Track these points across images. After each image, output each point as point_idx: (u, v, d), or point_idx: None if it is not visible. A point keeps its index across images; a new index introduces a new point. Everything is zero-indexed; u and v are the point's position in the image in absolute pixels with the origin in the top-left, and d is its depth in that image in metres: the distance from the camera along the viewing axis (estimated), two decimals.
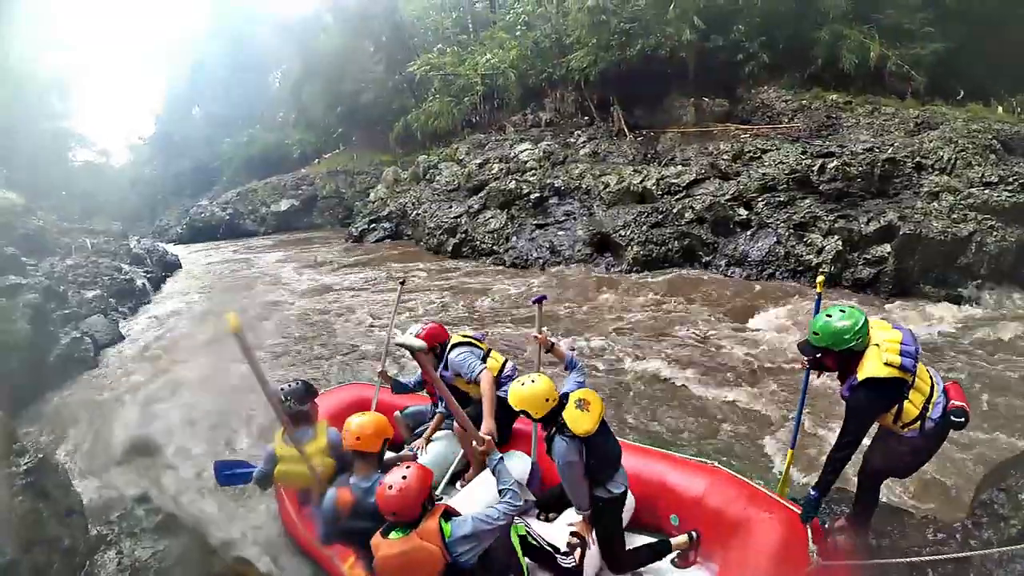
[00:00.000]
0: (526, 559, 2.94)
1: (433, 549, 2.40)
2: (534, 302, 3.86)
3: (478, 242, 15.14)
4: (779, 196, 11.31)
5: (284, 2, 38.12)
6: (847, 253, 9.79)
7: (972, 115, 11.87)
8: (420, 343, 2.76)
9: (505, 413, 3.84)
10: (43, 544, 3.34)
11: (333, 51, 29.15)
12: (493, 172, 17.23)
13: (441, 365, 4.08)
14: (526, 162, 16.98)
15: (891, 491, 4.26)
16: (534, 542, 3.05)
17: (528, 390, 2.96)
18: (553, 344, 3.60)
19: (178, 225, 29.99)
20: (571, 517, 3.34)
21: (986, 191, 9.43)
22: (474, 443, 2.91)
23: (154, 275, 16.18)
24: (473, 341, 4.15)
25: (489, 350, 4.24)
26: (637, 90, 17.40)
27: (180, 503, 4.87)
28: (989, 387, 6.08)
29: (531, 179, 15.74)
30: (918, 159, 10.58)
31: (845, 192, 10.67)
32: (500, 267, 13.90)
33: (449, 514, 2.58)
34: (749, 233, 11.33)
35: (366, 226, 20.65)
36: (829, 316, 2.87)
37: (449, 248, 15.78)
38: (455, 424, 4.25)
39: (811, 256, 10.15)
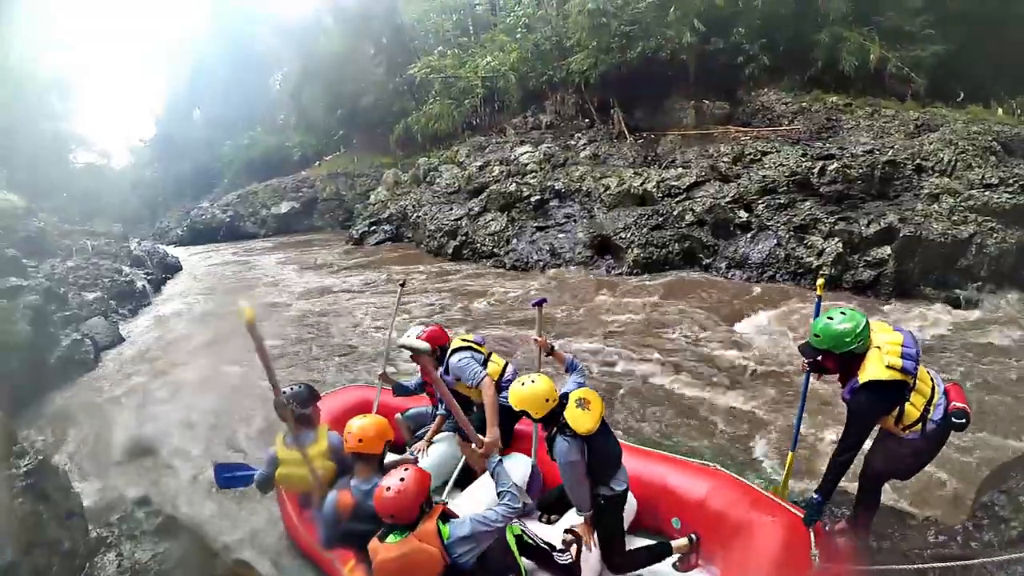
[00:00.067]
0: (523, 559, 2.94)
1: (432, 551, 2.39)
2: (534, 305, 3.86)
3: (478, 244, 15.15)
4: (779, 198, 11.31)
5: (284, 3, 38.19)
6: (847, 255, 9.79)
7: (972, 117, 11.88)
8: (424, 345, 2.77)
9: (506, 416, 3.85)
10: (43, 546, 3.34)
11: (333, 53, 29.18)
12: (493, 175, 17.24)
13: (441, 369, 4.08)
14: (526, 164, 16.99)
15: (891, 493, 4.25)
16: (530, 541, 3.05)
17: (528, 390, 2.96)
18: (553, 348, 3.60)
19: (179, 227, 30.02)
20: (572, 519, 3.33)
21: (986, 193, 9.43)
22: (473, 445, 2.91)
23: (154, 277, 16.21)
24: (473, 345, 4.14)
25: (490, 354, 4.23)
26: (637, 92, 17.41)
27: (180, 505, 4.87)
28: (989, 388, 6.08)
29: (531, 182, 15.75)
30: (918, 161, 10.59)
31: (845, 194, 10.68)
32: (500, 269, 13.90)
33: (447, 516, 2.58)
34: (749, 235, 11.33)
35: (366, 228, 20.65)
36: (830, 319, 2.87)
37: (449, 250, 15.78)
38: (457, 435, 4.26)
39: (811, 258, 10.14)
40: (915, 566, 2.94)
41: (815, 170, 11.15)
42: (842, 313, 2.87)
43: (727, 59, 16.10)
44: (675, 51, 16.01)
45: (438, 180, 19.67)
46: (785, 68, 15.73)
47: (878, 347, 2.81)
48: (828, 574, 2.86)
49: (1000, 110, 12.77)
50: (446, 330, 4.40)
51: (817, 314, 3.06)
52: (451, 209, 17.20)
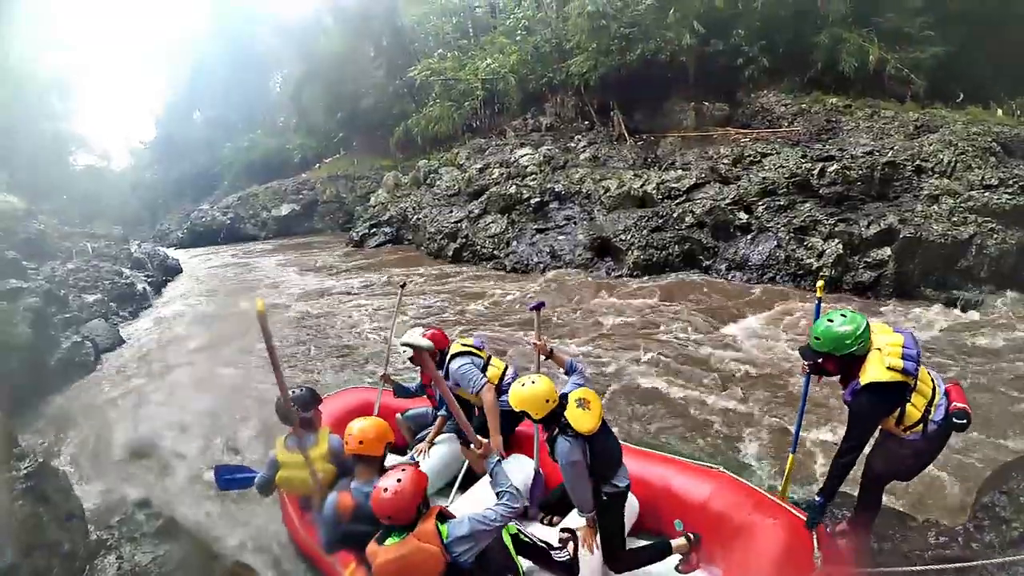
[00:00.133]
0: (521, 559, 2.93)
1: (433, 550, 2.38)
2: (532, 309, 3.84)
3: (479, 247, 15.15)
4: (779, 200, 11.31)
5: (284, 4, 38.27)
6: (847, 257, 9.79)
7: (972, 118, 11.87)
8: (427, 342, 2.77)
9: (507, 418, 3.86)
10: (43, 548, 3.34)
11: (333, 55, 29.25)
12: (493, 177, 17.25)
13: (441, 373, 4.07)
14: (526, 167, 17.00)
15: (892, 495, 4.25)
16: (526, 539, 3.05)
17: (528, 391, 2.96)
18: (552, 351, 3.59)
19: (179, 229, 30.06)
20: (574, 521, 3.33)
21: (986, 194, 9.44)
22: (472, 445, 2.91)
23: (155, 279, 16.22)
24: (473, 350, 4.13)
25: (489, 357, 4.23)
26: (637, 94, 17.44)
27: (181, 508, 4.86)
28: (990, 389, 6.07)
29: (531, 184, 15.76)
30: (918, 162, 10.59)
31: (845, 196, 10.68)
32: (501, 272, 13.91)
33: (444, 516, 2.57)
34: (749, 237, 11.33)
35: (367, 231, 20.66)
36: (830, 321, 2.87)
37: (450, 253, 15.78)
38: (459, 443, 4.25)
39: (811, 260, 10.15)
40: (917, 568, 2.94)
41: (815, 172, 11.15)
42: (842, 315, 2.87)
43: (727, 61, 16.13)
44: (675, 53, 16.03)
45: (438, 182, 19.69)
46: (785, 70, 15.75)
47: (879, 349, 2.80)
48: None
49: (1000, 111, 12.77)
50: (446, 334, 4.40)
51: (817, 316, 3.05)
52: (451, 211, 17.22)
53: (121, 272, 14.72)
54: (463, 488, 4.09)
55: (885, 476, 3.19)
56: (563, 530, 3.21)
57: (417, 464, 4.08)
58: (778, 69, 15.73)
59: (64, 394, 8.20)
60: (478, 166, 18.58)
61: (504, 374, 4.19)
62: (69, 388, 8.39)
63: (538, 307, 3.84)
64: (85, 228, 22.61)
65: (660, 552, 3.23)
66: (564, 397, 3.04)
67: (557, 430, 2.98)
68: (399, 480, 2.46)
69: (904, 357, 2.76)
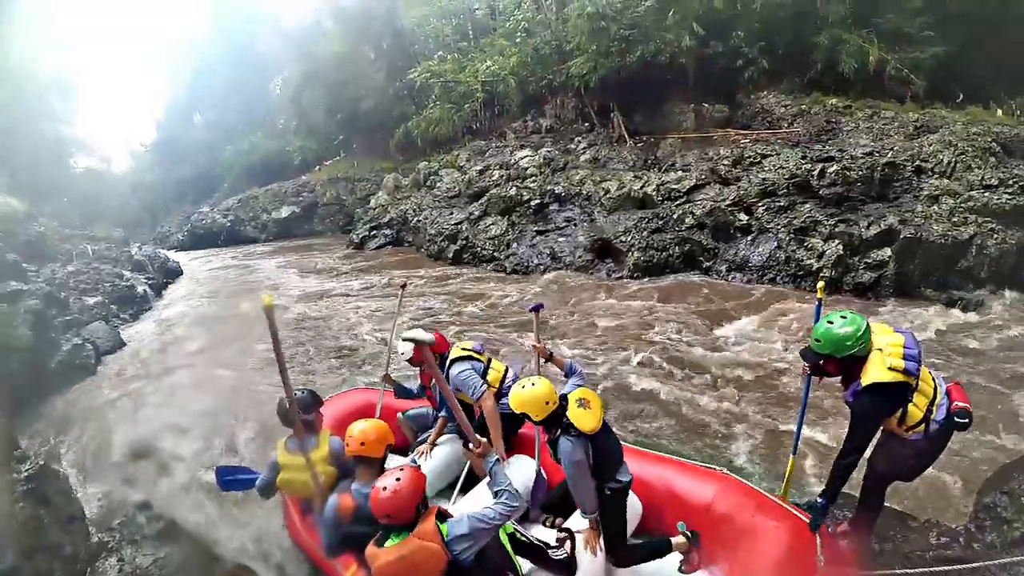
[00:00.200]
0: (519, 558, 2.93)
1: (435, 548, 2.38)
2: (531, 310, 3.84)
3: (479, 248, 15.15)
4: (779, 201, 11.32)
5: (284, 4, 38.36)
6: (848, 257, 9.79)
7: (972, 118, 11.88)
8: (429, 336, 2.77)
9: (508, 421, 3.86)
10: (44, 551, 3.34)
11: (334, 58, 29.28)
12: (494, 179, 17.26)
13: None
14: (526, 168, 17.00)
15: (892, 495, 4.23)
16: (523, 538, 3.05)
17: (528, 393, 2.97)
18: (552, 353, 3.59)
19: (179, 232, 30.08)
20: (576, 523, 3.33)
21: (986, 194, 9.44)
22: (471, 445, 2.91)
23: (155, 282, 16.24)
24: (473, 354, 4.12)
25: (490, 360, 4.23)
26: (637, 96, 17.44)
27: (182, 510, 4.86)
28: (991, 389, 6.07)
29: (532, 185, 15.77)
30: (918, 163, 10.59)
31: (845, 196, 10.69)
32: (501, 273, 13.90)
33: (443, 515, 2.57)
34: (750, 238, 11.34)
35: (367, 233, 20.67)
36: (830, 323, 2.87)
37: (450, 255, 15.79)
38: (460, 444, 4.25)
39: (812, 261, 10.14)
40: (919, 570, 2.92)
41: (815, 172, 11.16)
42: (842, 317, 2.87)
43: (726, 62, 16.13)
44: (674, 55, 16.03)
45: (438, 184, 19.70)
46: (784, 71, 15.75)
47: (880, 349, 2.80)
48: None
49: (1000, 111, 12.77)
50: (445, 337, 4.40)
51: (818, 318, 3.05)
52: (451, 213, 17.22)
53: (121, 274, 14.74)
54: (464, 490, 4.09)
55: (888, 476, 3.19)
56: (561, 530, 3.21)
57: (418, 467, 4.09)
58: (778, 70, 15.74)
59: (65, 396, 8.19)
60: (478, 168, 18.58)
61: (505, 377, 4.19)
62: (70, 390, 8.38)
63: (537, 308, 3.83)
64: (85, 230, 22.65)
65: (660, 549, 3.24)
66: (564, 398, 3.05)
67: (559, 431, 2.98)
68: (398, 479, 2.46)
69: (905, 357, 2.76)
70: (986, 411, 5.51)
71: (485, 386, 3.92)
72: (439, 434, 4.42)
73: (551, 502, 3.66)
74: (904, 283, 9.37)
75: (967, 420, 2.80)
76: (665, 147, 16.10)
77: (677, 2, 15.45)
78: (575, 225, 14.25)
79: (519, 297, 11.46)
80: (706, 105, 16.55)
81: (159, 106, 50.91)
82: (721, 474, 3.55)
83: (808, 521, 2.99)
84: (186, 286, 17.08)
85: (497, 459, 2.80)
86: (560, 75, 19.40)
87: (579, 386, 3.19)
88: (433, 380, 4.33)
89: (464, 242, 15.66)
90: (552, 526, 3.60)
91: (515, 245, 14.53)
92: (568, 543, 3.12)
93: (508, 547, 2.83)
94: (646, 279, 11.75)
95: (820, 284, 3.60)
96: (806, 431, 5.34)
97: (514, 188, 15.80)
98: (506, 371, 4.25)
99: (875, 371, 2.76)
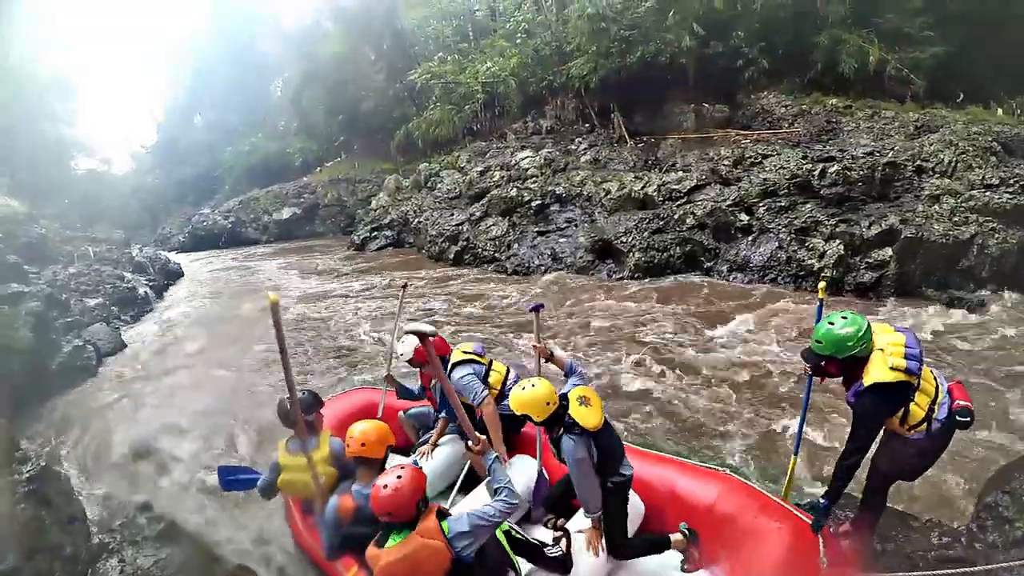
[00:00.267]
0: (517, 557, 2.94)
1: (439, 545, 2.37)
2: (531, 310, 3.83)
3: (480, 249, 15.15)
4: (780, 201, 11.31)
5: (284, 5, 38.40)
6: (849, 257, 9.78)
7: (972, 118, 11.89)
8: (431, 328, 2.76)
9: (510, 422, 3.86)
10: (45, 552, 3.34)
11: (334, 59, 29.30)
12: (494, 180, 17.26)
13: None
14: (527, 169, 17.01)
15: (894, 495, 4.22)
16: (519, 536, 3.05)
17: (529, 394, 2.97)
18: (552, 353, 3.59)
19: (180, 233, 30.08)
20: (579, 525, 3.33)
21: (987, 193, 9.44)
22: (470, 443, 2.91)
23: (156, 283, 16.24)
24: (474, 357, 4.12)
25: (491, 362, 4.23)
26: (637, 97, 17.47)
27: (182, 511, 4.86)
28: (992, 389, 6.05)
29: (532, 186, 15.77)
30: (919, 162, 10.59)
31: (846, 196, 10.68)
32: (502, 274, 13.90)
33: (443, 514, 2.56)
34: (751, 238, 11.33)
35: (368, 234, 20.67)
36: (831, 324, 2.86)
37: (451, 256, 15.78)
38: (462, 444, 4.25)
39: (813, 261, 10.13)
40: (923, 573, 2.91)
41: (815, 172, 11.15)
42: (843, 318, 2.86)
43: (726, 63, 16.15)
44: (674, 55, 16.06)
45: (439, 185, 19.71)
46: (784, 71, 15.77)
47: (881, 349, 2.80)
48: None
49: (1000, 110, 12.78)
50: (446, 340, 4.39)
51: (819, 318, 3.05)
52: (452, 214, 17.22)
53: (122, 276, 14.75)
54: (465, 490, 4.09)
55: (890, 476, 3.18)
56: (557, 528, 3.21)
57: (419, 467, 4.09)
58: (778, 70, 15.76)
59: (66, 398, 8.20)
60: (479, 169, 18.59)
61: (506, 379, 4.19)
62: (71, 392, 8.39)
63: (537, 308, 3.83)
64: (86, 232, 22.71)
65: (658, 545, 3.26)
66: (564, 397, 3.05)
67: (562, 430, 2.98)
68: (399, 477, 2.46)
69: (907, 357, 2.75)
70: (987, 411, 5.50)
71: (486, 392, 3.92)
72: (440, 435, 4.42)
73: (553, 495, 3.64)
74: (905, 283, 9.36)
75: (969, 419, 2.80)
76: (666, 147, 16.12)
77: (677, 2, 15.48)
78: (576, 226, 14.25)
79: (520, 298, 11.45)
80: (706, 105, 16.57)
81: (159, 107, 51.02)
82: (723, 474, 3.54)
83: (811, 522, 2.99)
84: (187, 287, 17.09)
85: (497, 456, 2.81)
86: (560, 76, 19.41)
87: (578, 385, 3.19)
88: (433, 381, 4.33)
89: (465, 243, 15.66)
90: (554, 527, 3.60)
91: (516, 246, 14.53)
92: (564, 541, 3.13)
93: (505, 545, 2.84)
94: (647, 280, 11.74)
95: (821, 285, 3.59)
96: (806, 432, 5.35)
97: (515, 189, 15.81)
98: (507, 372, 4.25)
99: (877, 371, 2.75)
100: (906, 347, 2.79)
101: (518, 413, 3.01)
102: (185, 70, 45.22)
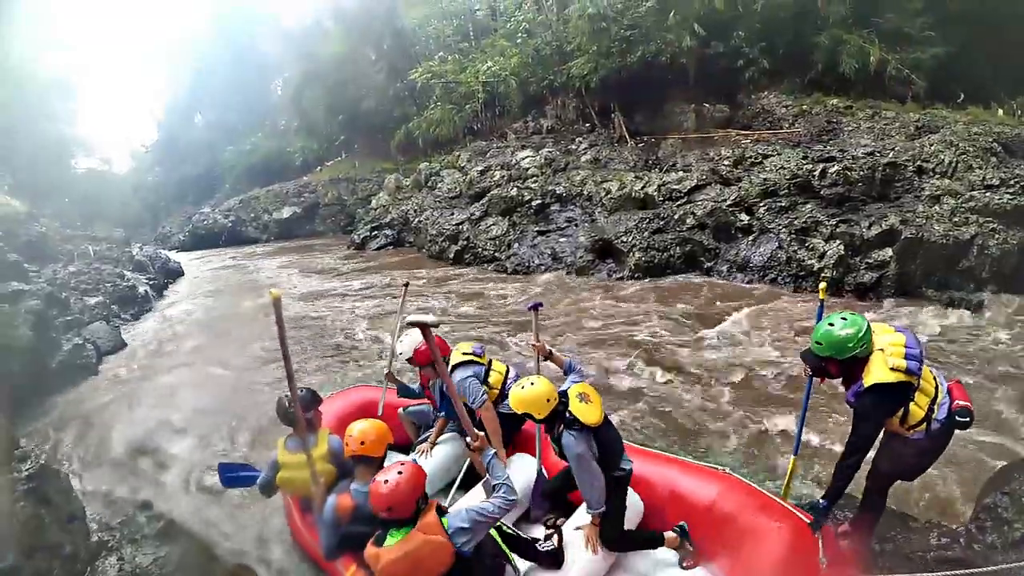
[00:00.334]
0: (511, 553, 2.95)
1: (441, 540, 2.37)
2: (530, 308, 3.83)
3: (480, 249, 15.15)
4: (780, 201, 11.31)
5: (285, 4, 38.37)
6: (849, 258, 9.77)
7: (973, 118, 11.87)
8: (433, 319, 2.76)
9: (510, 421, 3.86)
10: (44, 550, 3.34)
11: (334, 58, 29.30)
12: (495, 179, 17.26)
13: (442, 382, 4.07)
14: (527, 169, 17.01)
15: (893, 496, 4.21)
16: (511, 532, 3.07)
17: (529, 392, 2.98)
18: (551, 352, 3.59)
19: (180, 232, 30.10)
20: (578, 522, 3.33)
21: (987, 194, 9.42)
22: (468, 439, 2.91)
23: (157, 282, 16.23)
24: (474, 357, 4.12)
25: (490, 362, 4.23)
26: (638, 96, 17.46)
27: (182, 509, 4.87)
28: (992, 390, 6.05)
29: (533, 186, 15.77)
30: (919, 163, 10.58)
31: (846, 197, 10.68)
32: (502, 274, 13.90)
33: (441, 510, 2.56)
34: (751, 239, 11.32)
35: (368, 233, 20.68)
36: (831, 325, 2.86)
37: (451, 255, 15.79)
38: (462, 442, 4.25)
39: (813, 261, 10.13)
40: (922, 574, 2.91)
41: (816, 172, 11.15)
42: (843, 318, 2.86)
43: (727, 63, 16.13)
44: (675, 55, 16.04)
45: (439, 185, 19.71)
46: (785, 71, 15.75)
47: (881, 349, 2.80)
48: None
49: (1000, 111, 12.76)
50: (446, 341, 4.39)
51: (820, 319, 3.05)
52: (452, 214, 17.22)
53: (123, 275, 14.74)
54: (464, 488, 4.09)
55: (890, 476, 3.18)
56: (548, 525, 3.22)
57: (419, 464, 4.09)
58: (778, 70, 15.73)
59: (65, 396, 8.19)
60: (479, 168, 18.58)
61: (506, 378, 4.19)
62: (70, 390, 8.38)
63: (536, 307, 3.82)
64: (86, 231, 22.69)
65: (652, 540, 3.28)
66: (563, 394, 3.06)
67: (562, 426, 2.98)
68: (400, 473, 2.46)
69: (907, 357, 2.75)
70: (988, 411, 5.50)
71: (486, 395, 3.94)
72: (439, 434, 4.43)
73: (551, 488, 3.64)
74: (905, 283, 9.35)
75: (968, 419, 2.80)
76: (666, 147, 16.11)
77: (678, 2, 15.47)
78: (576, 225, 14.25)
79: (520, 297, 11.45)
80: (707, 105, 16.55)
81: (159, 106, 50.99)
82: (723, 474, 3.53)
83: (810, 522, 2.99)
84: (187, 286, 17.10)
85: (495, 453, 2.81)
86: (561, 76, 19.41)
87: (578, 382, 3.20)
88: (432, 380, 4.33)
89: (465, 242, 15.66)
90: (553, 526, 3.61)
91: (516, 245, 14.52)
92: (556, 536, 3.17)
93: (499, 541, 2.85)
94: (647, 279, 11.74)
95: (822, 286, 3.59)
96: (806, 432, 5.35)
97: (515, 188, 15.81)
98: (507, 372, 4.25)
99: (877, 372, 2.75)
100: (906, 347, 2.79)
101: (519, 412, 3.01)
102: (185, 70, 45.18)
